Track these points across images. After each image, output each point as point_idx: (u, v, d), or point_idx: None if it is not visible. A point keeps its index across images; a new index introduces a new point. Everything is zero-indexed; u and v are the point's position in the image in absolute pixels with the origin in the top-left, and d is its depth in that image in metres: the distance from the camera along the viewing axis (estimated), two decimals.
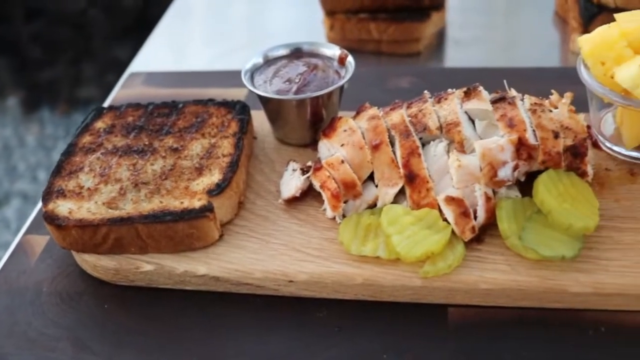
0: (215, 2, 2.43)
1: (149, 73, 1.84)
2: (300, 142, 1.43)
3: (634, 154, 1.32)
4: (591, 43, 1.28)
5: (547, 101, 1.28)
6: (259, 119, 1.47)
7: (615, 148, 1.34)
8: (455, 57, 1.98)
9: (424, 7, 1.89)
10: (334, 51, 1.45)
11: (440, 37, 2.05)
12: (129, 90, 1.77)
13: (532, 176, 1.22)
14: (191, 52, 2.14)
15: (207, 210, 1.19)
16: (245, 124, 1.39)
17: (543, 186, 1.18)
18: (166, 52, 2.12)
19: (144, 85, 1.78)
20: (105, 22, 4.64)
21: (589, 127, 1.38)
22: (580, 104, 1.35)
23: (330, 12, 1.94)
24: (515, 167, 1.19)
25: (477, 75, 1.59)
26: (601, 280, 1.11)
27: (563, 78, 1.31)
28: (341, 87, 1.39)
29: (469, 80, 1.38)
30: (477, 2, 2.29)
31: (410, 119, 1.27)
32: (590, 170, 1.23)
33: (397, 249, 1.13)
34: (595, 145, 1.37)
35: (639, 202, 1.25)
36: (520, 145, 1.19)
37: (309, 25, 2.11)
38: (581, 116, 1.26)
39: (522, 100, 1.26)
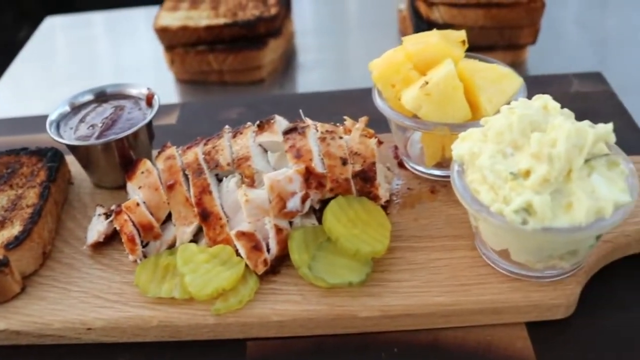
0: (63, 44, 2.42)
1: None
2: (115, 185, 1.41)
3: (434, 171, 1.35)
4: (379, 67, 1.30)
5: (341, 128, 1.30)
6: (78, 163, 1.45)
7: (418, 167, 1.37)
8: (301, 81, 2.00)
9: (260, 35, 1.91)
10: (141, 90, 1.44)
11: (287, 62, 2.06)
12: None
13: (328, 203, 1.23)
14: (37, 96, 2.11)
15: (1, 265, 1.18)
16: (53, 172, 1.37)
17: (331, 214, 1.19)
18: (12, 96, 2.09)
19: None
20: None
21: (396, 147, 1.41)
22: None
23: (169, 47, 1.94)
24: (305, 197, 1.20)
25: (308, 100, 1.62)
26: (388, 303, 1.13)
27: None
28: (149, 127, 1.39)
29: (296, 106, 1.39)
30: (326, 24, 2.32)
31: (204, 156, 1.27)
32: (382, 193, 1.25)
33: (189, 288, 1.14)
34: (401, 165, 1.39)
35: (436, 220, 1.27)
36: (309, 175, 1.20)
37: (156, 62, 2.11)
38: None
39: (315, 129, 1.27)
